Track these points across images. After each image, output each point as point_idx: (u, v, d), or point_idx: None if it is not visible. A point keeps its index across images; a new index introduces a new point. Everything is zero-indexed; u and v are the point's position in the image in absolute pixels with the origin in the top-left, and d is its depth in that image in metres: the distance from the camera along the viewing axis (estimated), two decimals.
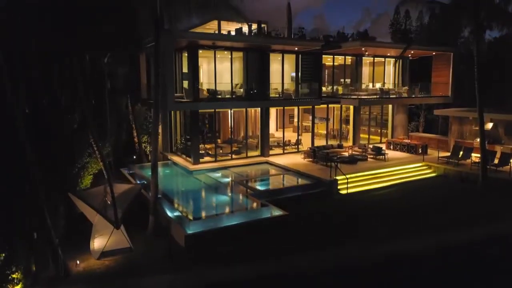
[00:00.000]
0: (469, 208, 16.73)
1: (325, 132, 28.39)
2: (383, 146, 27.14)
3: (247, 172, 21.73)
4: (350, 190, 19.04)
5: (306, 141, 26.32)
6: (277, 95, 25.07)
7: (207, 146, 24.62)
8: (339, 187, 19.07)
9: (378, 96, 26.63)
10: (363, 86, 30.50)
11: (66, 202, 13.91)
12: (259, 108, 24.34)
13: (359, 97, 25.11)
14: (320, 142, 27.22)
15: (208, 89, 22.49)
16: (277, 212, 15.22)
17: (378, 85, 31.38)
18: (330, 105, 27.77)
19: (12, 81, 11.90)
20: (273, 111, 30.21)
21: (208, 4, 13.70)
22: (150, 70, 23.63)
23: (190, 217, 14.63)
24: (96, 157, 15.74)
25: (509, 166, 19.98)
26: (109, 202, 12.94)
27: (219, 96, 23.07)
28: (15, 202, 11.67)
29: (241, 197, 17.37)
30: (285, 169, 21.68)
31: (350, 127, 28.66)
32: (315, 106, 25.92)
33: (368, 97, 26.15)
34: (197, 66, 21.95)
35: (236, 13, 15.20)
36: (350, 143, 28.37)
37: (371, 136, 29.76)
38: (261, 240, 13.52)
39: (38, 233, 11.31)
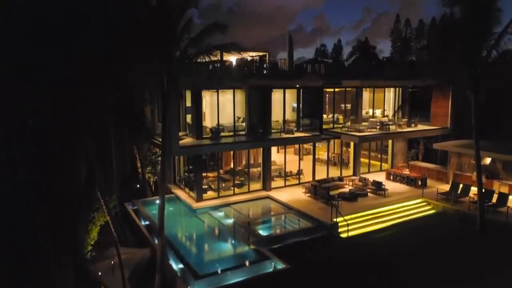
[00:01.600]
0: (466, 257, 17.11)
1: (325, 157, 28.64)
2: (383, 175, 27.62)
3: (249, 211, 22.10)
4: (350, 233, 19.41)
5: (307, 168, 26.60)
6: (279, 128, 25.48)
7: (210, 175, 25.00)
8: (340, 229, 19.46)
9: (378, 127, 27.01)
10: (364, 113, 30.94)
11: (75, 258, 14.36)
12: None
13: (360, 133, 25.44)
14: (321, 169, 27.49)
15: (211, 129, 22.91)
16: (279, 266, 15.65)
17: (378, 112, 31.81)
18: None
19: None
20: None
21: (213, 77, 14.15)
22: (154, 107, 24.03)
23: (195, 273, 14.98)
24: (103, 210, 16.19)
25: (506, 208, 20.29)
26: (116, 265, 13.37)
27: (222, 133, 23.58)
28: (25, 271, 12.11)
29: (243, 245, 17.75)
30: (287, 207, 22.04)
31: (351, 156, 28.97)
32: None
33: (369, 132, 26.54)
34: (201, 106, 22.28)
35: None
36: (350, 171, 28.74)
37: (371, 161, 30.04)
38: None
39: None
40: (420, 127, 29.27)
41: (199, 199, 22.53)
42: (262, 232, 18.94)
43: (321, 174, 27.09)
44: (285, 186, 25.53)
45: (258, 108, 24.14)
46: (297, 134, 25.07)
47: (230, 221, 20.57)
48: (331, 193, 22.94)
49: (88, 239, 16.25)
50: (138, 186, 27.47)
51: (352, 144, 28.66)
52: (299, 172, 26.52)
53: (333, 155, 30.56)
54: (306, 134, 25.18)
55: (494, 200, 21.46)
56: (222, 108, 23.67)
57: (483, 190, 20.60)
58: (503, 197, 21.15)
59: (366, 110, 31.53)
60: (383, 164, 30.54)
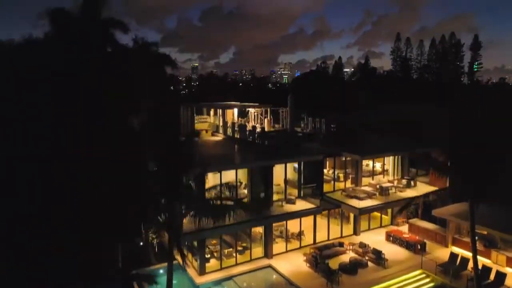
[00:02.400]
0: None
1: None
2: (383, 233, 28.01)
3: (251, 286, 22.50)
4: None
5: (308, 223, 26.86)
6: (281, 191, 25.98)
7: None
8: None
9: (378, 193, 27.46)
10: (364, 165, 31.35)
11: None
12: None
13: (359, 204, 25.92)
14: (322, 223, 27.64)
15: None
16: None
17: (378, 165, 32.22)
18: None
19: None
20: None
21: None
22: None
23: None
24: None
25: None
26: None
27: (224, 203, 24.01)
28: None
29: None
30: (288, 281, 22.46)
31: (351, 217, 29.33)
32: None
33: (369, 200, 27.05)
34: (204, 185, 22.66)
35: None
36: (351, 226, 29.05)
37: (371, 214, 30.39)
38: None
39: None
40: (420, 186, 29.69)
41: (202, 272, 22.97)
42: None
43: (322, 232, 27.46)
44: (287, 251, 25.92)
45: (260, 179, 24.60)
46: (298, 204, 25.54)
47: None
48: (332, 261, 23.43)
49: None
50: (141, 243, 27.90)
51: None
52: (300, 233, 26.92)
53: None
54: (307, 206, 25.57)
55: (492, 277, 21.79)
56: (224, 176, 24.02)
57: (481, 267, 21.04)
58: (500, 277, 21.46)
59: (367, 163, 31.93)
60: (383, 216, 30.96)
